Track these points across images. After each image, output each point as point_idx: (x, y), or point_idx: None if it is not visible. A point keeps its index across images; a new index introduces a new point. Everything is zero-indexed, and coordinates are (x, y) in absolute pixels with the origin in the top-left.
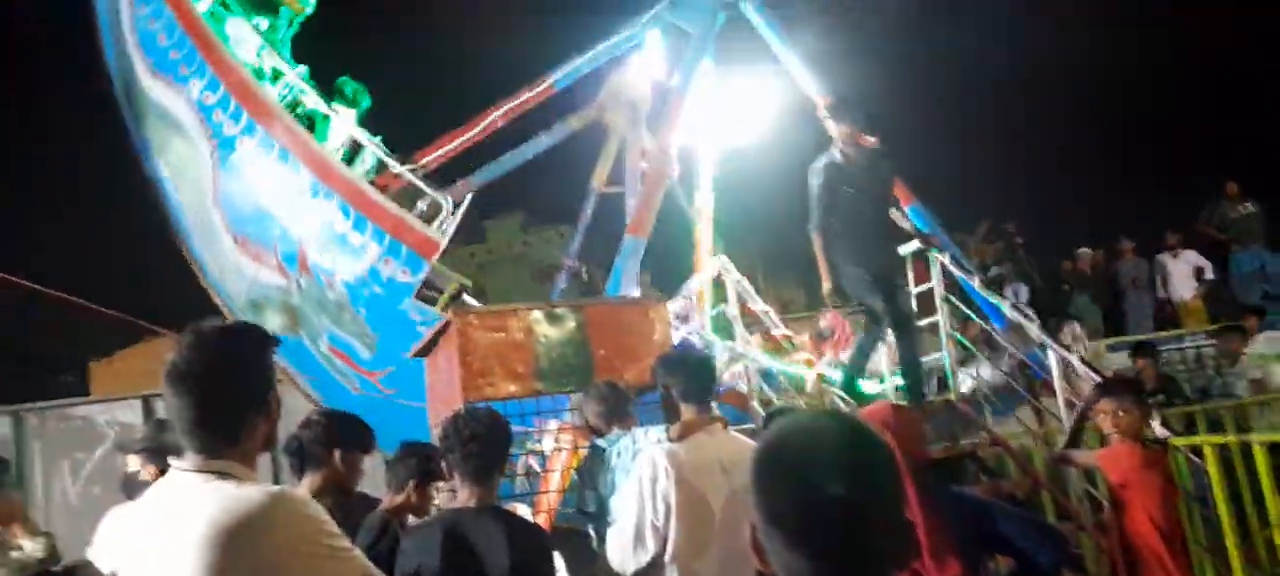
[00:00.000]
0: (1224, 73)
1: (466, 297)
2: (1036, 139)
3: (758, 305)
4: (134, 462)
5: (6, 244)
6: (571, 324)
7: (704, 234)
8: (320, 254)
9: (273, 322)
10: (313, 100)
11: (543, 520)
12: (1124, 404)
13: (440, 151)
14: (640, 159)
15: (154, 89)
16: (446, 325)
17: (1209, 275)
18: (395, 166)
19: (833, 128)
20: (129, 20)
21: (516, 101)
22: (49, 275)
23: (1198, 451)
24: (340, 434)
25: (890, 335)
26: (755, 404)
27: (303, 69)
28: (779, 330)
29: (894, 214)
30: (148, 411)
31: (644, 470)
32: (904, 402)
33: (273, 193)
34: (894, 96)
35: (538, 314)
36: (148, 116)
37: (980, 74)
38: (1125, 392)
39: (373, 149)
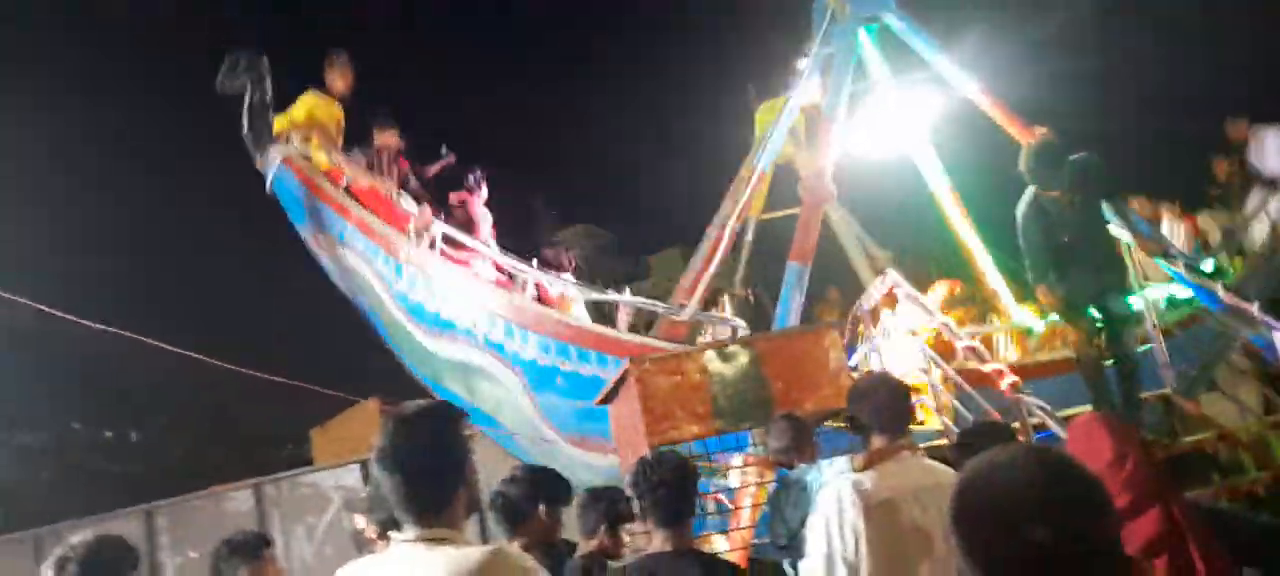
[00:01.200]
0: None
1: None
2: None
3: (937, 318)
4: (360, 521)
5: (228, 328)
6: (744, 360)
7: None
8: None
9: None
10: (544, 277)
11: (737, 554)
12: None
13: (701, 284)
14: (799, 184)
15: (438, 347)
16: (625, 374)
17: None
18: (673, 312)
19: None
20: (384, 295)
21: (743, 201)
22: (271, 353)
23: None
24: (545, 489)
25: None
26: (946, 421)
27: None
28: (962, 341)
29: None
30: (366, 474)
31: (829, 503)
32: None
33: (589, 389)
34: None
35: (711, 354)
36: (443, 375)
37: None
38: None
39: (637, 302)
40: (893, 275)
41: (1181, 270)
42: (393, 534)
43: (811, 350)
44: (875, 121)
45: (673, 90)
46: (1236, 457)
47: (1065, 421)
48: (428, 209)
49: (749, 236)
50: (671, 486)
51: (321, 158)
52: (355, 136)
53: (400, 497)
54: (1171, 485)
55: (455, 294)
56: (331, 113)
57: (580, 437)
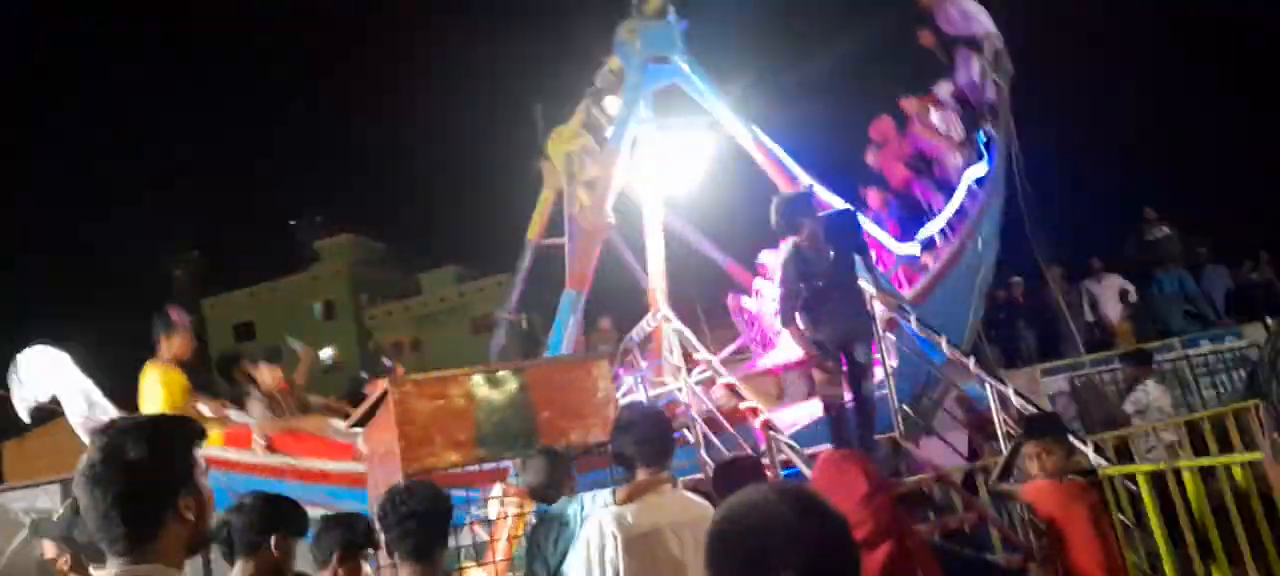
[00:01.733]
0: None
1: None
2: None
3: (702, 354)
4: (50, 549)
5: None
6: (513, 386)
7: (655, 282)
8: None
9: None
10: None
11: None
12: (1046, 444)
13: None
14: (576, 213)
15: None
16: (383, 394)
17: (1133, 297)
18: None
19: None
20: None
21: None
22: None
23: (1133, 478)
24: (277, 518)
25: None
26: (703, 454)
27: None
28: (724, 378)
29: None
30: (66, 496)
31: (591, 536)
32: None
33: None
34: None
35: (478, 378)
36: None
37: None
38: (1048, 433)
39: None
40: (663, 309)
41: (912, 323)
42: (94, 569)
43: (581, 380)
44: (657, 158)
45: (456, 109)
46: (948, 497)
47: (810, 459)
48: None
49: (526, 261)
50: (422, 518)
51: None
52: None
53: (102, 523)
54: (905, 520)
55: None
56: (181, 384)
57: None
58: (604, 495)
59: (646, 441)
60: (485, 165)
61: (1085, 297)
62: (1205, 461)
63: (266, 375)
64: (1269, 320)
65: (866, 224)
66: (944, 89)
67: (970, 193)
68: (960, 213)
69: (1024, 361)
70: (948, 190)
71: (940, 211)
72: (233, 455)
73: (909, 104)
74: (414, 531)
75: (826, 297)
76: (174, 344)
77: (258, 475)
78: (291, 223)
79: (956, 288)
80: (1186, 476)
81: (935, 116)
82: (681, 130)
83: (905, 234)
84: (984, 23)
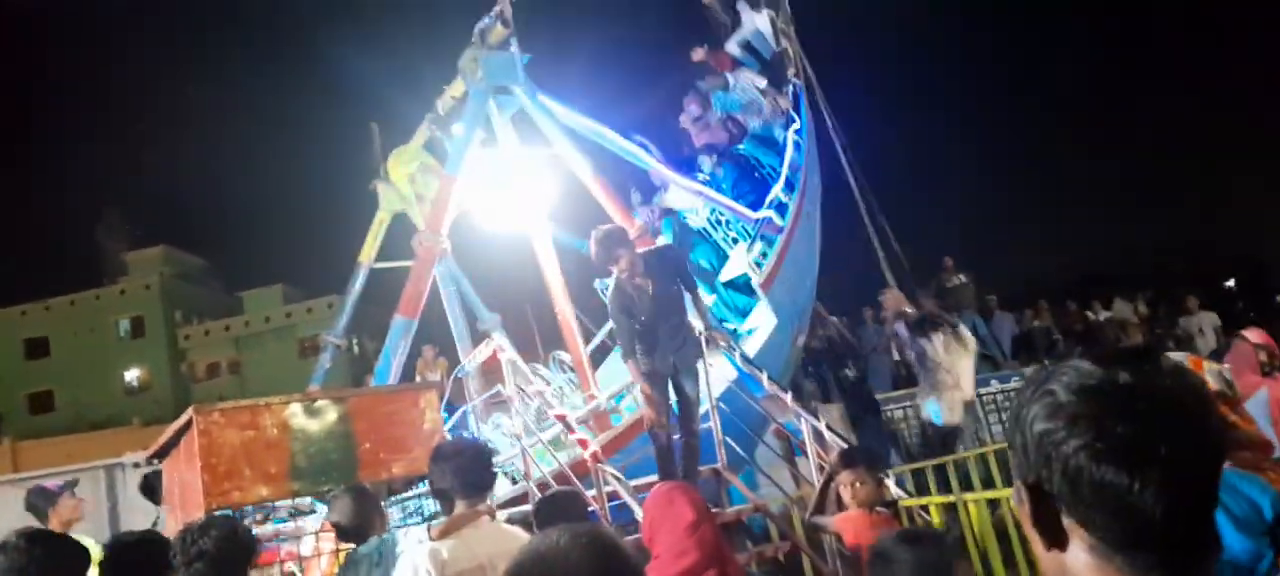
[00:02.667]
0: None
1: None
2: None
3: (535, 383)
4: None
5: None
6: (333, 416)
7: (474, 312)
8: None
9: None
10: None
11: None
12: (860, 474)
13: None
14: (412, 237)
15: None
16: (186, 423)
17: None
18: None
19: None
20: None
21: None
22: None
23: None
24: (54, 557)
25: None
26: (532, 486)
27: None
28: (555, 409)
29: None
30: None
31: (405, 573)
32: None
33: None
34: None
35: (295, 408)
36: None
37: None
38: (861, 463)
39: None
40: (498, 338)
41: (736, 358)
42: None
43: (406, 410)
44: (496, 187)
45: (289, 124)
46: (766, 527)
47: (635, 491)
48: None
49: (358, 283)
50: (212, 559)
51: None
52: None
53: None
54: (728, 549)
55: None
56: None
57: None
58: (418, 531)
59: (464, 473)
60: (317, 183)
61: (893, 339)
62: (989, 494)
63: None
64: (1046, 362)
65: (719, 198)
66: (733, 45)
67: (796, 146)
68: (794, 167)
69: (838, 397)
70: (770, 147)
71: (778, 173)
72: None
73: (700, 54)
74: (203, 574)
75: (651, 331)
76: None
77: None
78: (95, 230)
79: (799, 254)
80: (971, 506)
81: (732, 77)
82: (519, 159)
83: (745, 197)
84: None
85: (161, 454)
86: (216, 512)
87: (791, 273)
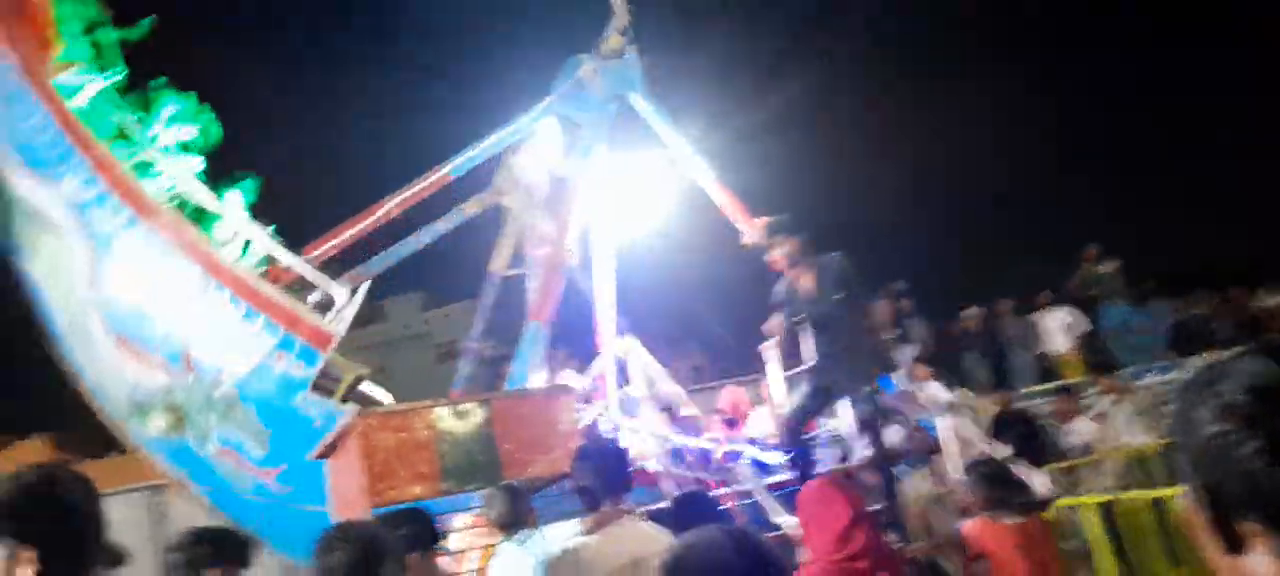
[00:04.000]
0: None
1: (367, 385)
2: (925, 206)
3: (667, 386)
4: None
5: None
6: (477, 419)
7: (604, 317)
8: (208, 351)
9: (156, 424)
10: (201, 193)
11: None
12: (979, 488)
13: (333, 243)
14: (538, 245)
15: (21, 185)
16: (347, 427)
17: (1078, 329)
18: (287, 258)
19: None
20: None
21: (412, 191)
22: None
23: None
24: (212, 552)
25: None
26: (668, 485)
27: (193, 162)
28: (687, 410)
29: None
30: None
31: (560, 569)
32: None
33: (155, 290)
34: (784, 172)
35: (442, 411)
36: (14, 215)
37: (860, 148)
38: (980, 478)
39: (263, 241)
40: (630, 341)
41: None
42: None
43: (545, 412)
44: (618, 192)
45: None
46: (911, 527)
47: (771, 489)
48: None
49: (490, 291)
50: (356, 568)
51: None
52: None
53: None
54: (892, 551)
55: (66, 142)
56: None
57: (122, 338)
58: (567, 526)
59: (605, 473)
60: (448, 201)
61: (1033, 330)
62: (1151, 493)
63: None
64: (1208, 355)
65: None
66: None
67: None
68: None
69: (979, 392)
70: None
71: None
72: None
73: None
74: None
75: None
76: None
77: None
78: None
79: None
80: (1134, 508)
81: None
82: (641, 166)
83: None
84: None
85: (325, 454)
86: (379, 510)
87: None
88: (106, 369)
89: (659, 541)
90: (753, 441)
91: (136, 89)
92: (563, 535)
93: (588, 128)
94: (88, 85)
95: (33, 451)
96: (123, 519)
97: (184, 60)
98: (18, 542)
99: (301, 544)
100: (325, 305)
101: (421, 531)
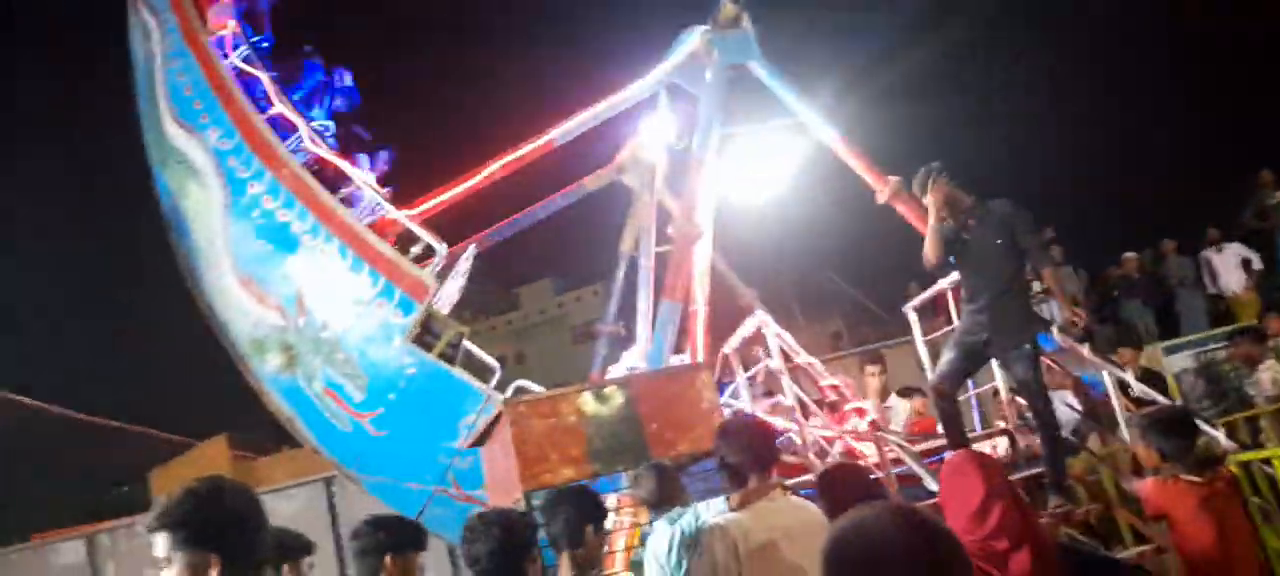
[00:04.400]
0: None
1: (467, 344)
2: (1069, 142)
3: (802, 357)
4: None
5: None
6: (620, 401)
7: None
8: (318, 296)
9: (273, 362)
10: (323, 148)
11: None
12: (1150, 443)
13: (437, 199)
14: (662, 223)
15: (177, 136)
16: (499, 416)
17: (1257, 265)
18: (392, 211)
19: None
20: (161, 73)
21: (516, 155)
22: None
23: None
24: (388, 539)
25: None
26: (813, 458)
27: (319, 121)
28: (826, 380)
29: None
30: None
31: (713, 543)
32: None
33: (277, 235)
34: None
35: (587, 395)
36: (170, 162)
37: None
38: (1156, 432)
39: (373, 193)
40: (760, 314)
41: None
42: None
43: (685, 390)
44: (741, 165)
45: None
46: (1072, 489)
47: (920, 457)
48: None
49: (621, 272)
50: (487, 563)
51: None
52: None
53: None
54: (1036, 525)
55: (213, 97)
56: None
57: (248, 279)
58: (717, 503)
59: (751, 448)
60: (561, 172)
61: (1205, 270)
62: None
63: None
64: None
65: None
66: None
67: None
68: None
69: (1142, 340)
70: None
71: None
72: None
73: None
74: (488, 568)
75: (966, 284)
76: None
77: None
78: None
79: None
80: None
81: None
82: (764, 134)
83: None
84: None
85: (479, 442)
86: (529, 493)
87: None
88: (233, 305)
89: (809, 514)
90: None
91: (281, 54)
92: (712, 510)
93: (705, 100)
94: (240, 46)
95: (212, 450)
96: (298, 511)
97: (322, 30)
98: (197, 548)
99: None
100: (423, 260)
101: (588, 509)
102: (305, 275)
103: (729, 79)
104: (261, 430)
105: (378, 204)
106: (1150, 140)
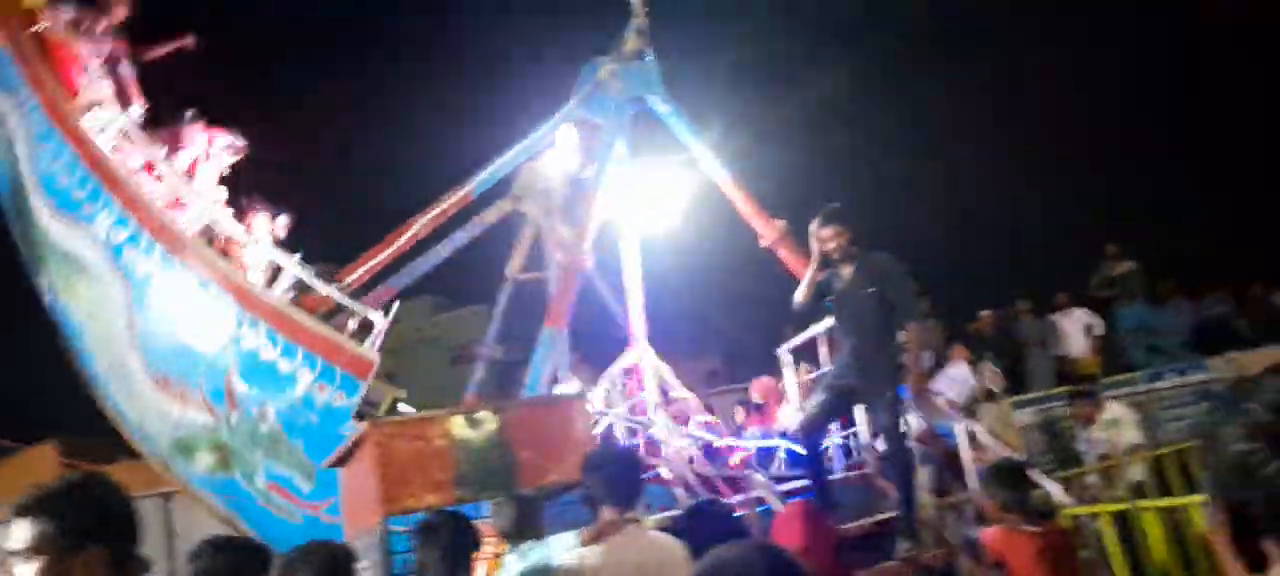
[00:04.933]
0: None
1: (402, 407)
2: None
3: (679, 392)
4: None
5: None
6: (492, 427)
7: (634, 319)
8: (249, 386)
9: (203, 462)
10: (228, 224)
11: None
12: (991, 493)
13: (364, 268)
14: (556, 249)
15: (56, 231)
16: (362, 436)
17: (1097, 331)
18: (321, 287)
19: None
20: (27, 162)
21: (437, 210)
22: None
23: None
24: (228, 562)
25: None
26: (680, 491)
27: (219, 193)
28: (701, 417)
29: None
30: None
31: None
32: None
33: (194, 327)
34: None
35: (458, 420)
36: (49, 260)
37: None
38: (998, 483)
39: (295, 270)
40: (641, 346)
41: None
42: None
43: (560, 419)
44: (638, 197)
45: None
46: (919, 534)
47: (784, 497)
48: (111, 86)
49: (505, 295)
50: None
51: None
52: None
53: None
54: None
55: (95, 182)
56: None
57: (163, 378)
58: (569, 537)
59: (614, 481)
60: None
61: (1051, 332)
62: (1166, 502)
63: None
64: (1231, 354)
65: None
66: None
67: None
68: None
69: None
70: None
71: None
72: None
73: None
74: None
75: (839, 330)
76: None
77: None
78: None
79: None
80: (1149, 518)
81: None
82: (659, 169)
83: None
84: None
85: (339, 462)
86: (390, 519)
87: None
88: (148, 409)
89: (666, 550)
90: (784, 433)
91: (159, 122)
92: (563, 545)
93: (606, 129)
94: (111, 122)
95: (42, 457)
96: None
97: (202, 92)
98: (74, 539)
99: None
100: (361, 333)
101: (468, 537)
102: (232, 366)
103: (632, 113)
104: (95, 435)
105: (303, 280)
106: (1021, 203)
